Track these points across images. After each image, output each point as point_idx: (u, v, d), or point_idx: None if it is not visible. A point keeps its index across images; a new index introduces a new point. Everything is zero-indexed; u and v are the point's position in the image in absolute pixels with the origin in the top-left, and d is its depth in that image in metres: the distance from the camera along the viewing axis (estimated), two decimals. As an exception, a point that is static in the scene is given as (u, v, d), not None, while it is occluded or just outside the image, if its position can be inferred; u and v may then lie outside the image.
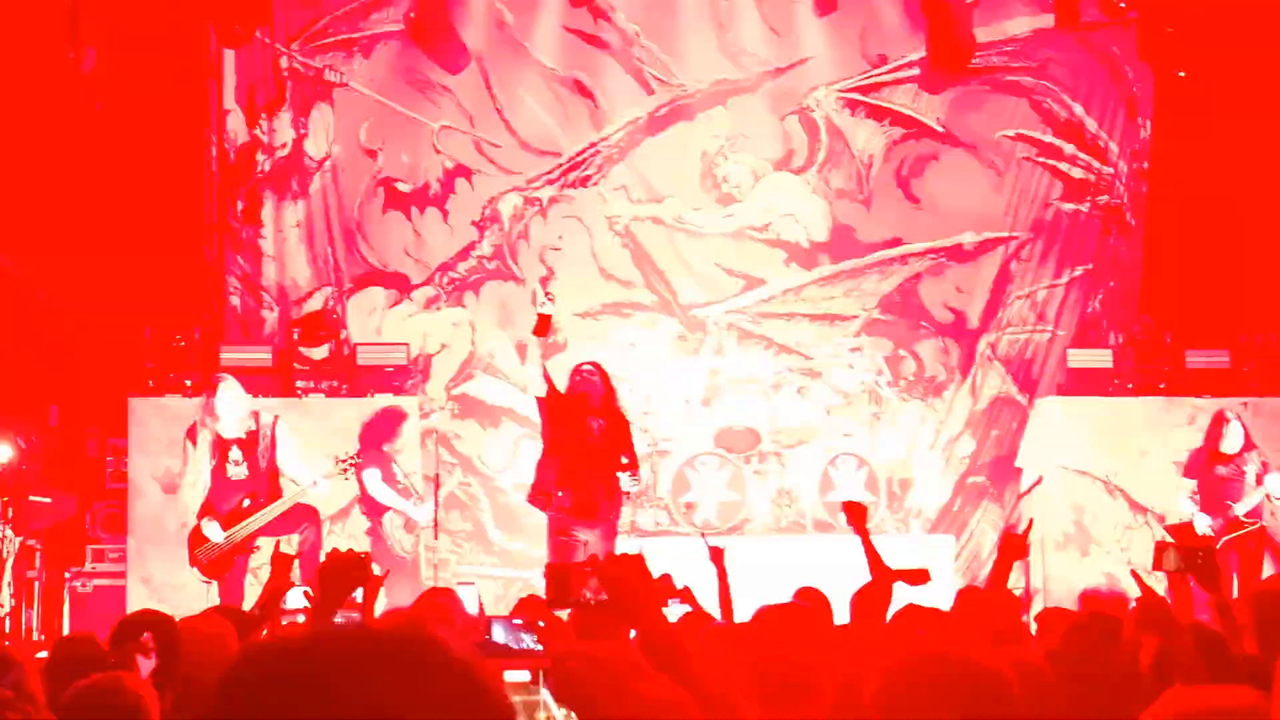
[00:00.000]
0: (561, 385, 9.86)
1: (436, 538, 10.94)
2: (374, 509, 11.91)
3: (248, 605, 7.95)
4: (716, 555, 6.76)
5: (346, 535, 11.29)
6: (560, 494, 9.46)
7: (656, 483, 11.67)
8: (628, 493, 9.68)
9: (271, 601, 5.62)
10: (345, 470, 9.84)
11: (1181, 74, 13.61)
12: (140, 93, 12.76)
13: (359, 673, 1.60)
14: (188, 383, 11.69)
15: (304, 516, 9.97)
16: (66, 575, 11.72)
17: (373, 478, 11.87)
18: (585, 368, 9.93)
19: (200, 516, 9.82)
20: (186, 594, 10.06)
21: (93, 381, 12.31)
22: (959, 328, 14.14)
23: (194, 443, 9.96)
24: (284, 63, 13.45)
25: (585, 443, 9.56)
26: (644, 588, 3.23)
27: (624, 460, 9.59)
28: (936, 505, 13.64)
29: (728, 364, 12.58)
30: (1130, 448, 12.43)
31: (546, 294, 9.74)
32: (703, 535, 7.69)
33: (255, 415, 10.03)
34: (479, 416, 13.49)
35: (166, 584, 10.95)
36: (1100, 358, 12.95)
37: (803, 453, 12.14)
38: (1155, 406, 12.55)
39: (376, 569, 5.29)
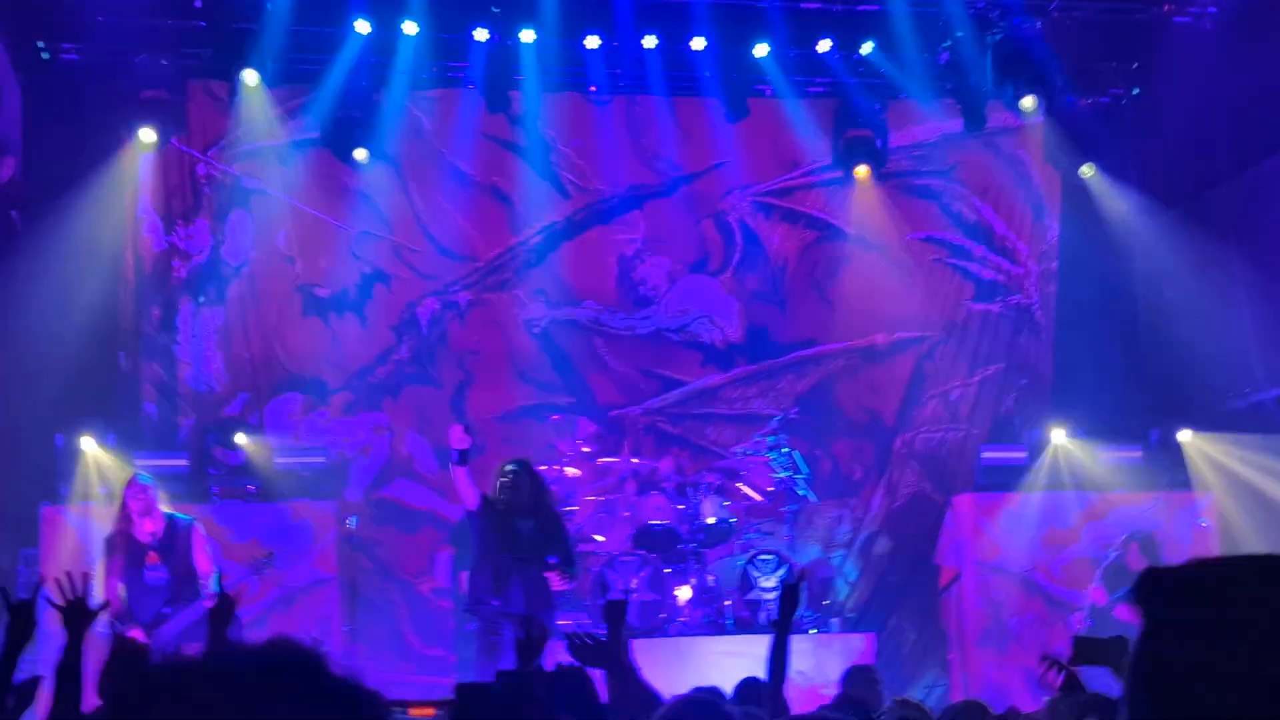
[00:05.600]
0: (487, 488, 9.74)
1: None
2: None
3: None
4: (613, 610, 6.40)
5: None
6: (495, 601, 9.29)
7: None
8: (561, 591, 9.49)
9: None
10: (260, 569, 9.71)
11: (1087, 171, 13.97)
12: (56, 200, 12.74)
13: (245, 696, 1.61)
14: (102, 490, 11.57)
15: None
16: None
17: None
18: (508, 468, 9.67)
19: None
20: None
21: (4, 490, 12.12)
22: (874, 427, 14.29)
23: (108, 550, 9.79)
24: (201, 169, 13.48)
25: (516, 547, 9.42)
26: None
27: (551, 561, 9.42)
28: (856, 603, 13.70)
29: (646, 464, 12.63)
30: (1045, 543, 12.56)
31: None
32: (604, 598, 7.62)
33: (172, 520, 9.89)
34: (399, 521, 13.43)
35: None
36: (1014, 455, 13.12)
37: (722, 551, 12.18)
38: (1069, 501, 12.69)
39: None
